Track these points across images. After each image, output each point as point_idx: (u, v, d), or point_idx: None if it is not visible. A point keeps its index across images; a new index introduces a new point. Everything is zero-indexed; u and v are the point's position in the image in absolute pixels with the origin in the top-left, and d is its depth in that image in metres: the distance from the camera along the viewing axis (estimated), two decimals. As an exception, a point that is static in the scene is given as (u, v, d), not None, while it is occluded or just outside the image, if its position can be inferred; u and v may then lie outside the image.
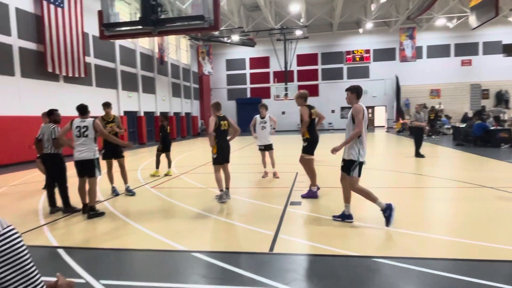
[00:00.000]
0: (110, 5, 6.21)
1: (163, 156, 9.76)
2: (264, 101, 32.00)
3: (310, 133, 6.45)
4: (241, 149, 16.73)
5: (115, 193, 7.30)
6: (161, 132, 9.71)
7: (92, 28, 17.61)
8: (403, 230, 4.52)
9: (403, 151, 13.86)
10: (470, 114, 23.15)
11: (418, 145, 11.83)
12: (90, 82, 18.46)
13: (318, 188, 6.58)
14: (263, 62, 34.92)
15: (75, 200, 6.05)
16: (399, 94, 30.82)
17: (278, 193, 7.05)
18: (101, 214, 5.71)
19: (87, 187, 5.77)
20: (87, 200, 5.80)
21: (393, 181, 8.26)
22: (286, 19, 28.37)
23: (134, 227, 5.08)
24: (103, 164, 6.58)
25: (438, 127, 20.39)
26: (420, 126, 11.79)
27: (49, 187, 6.10)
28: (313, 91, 32.58)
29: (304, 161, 6.56)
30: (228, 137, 6.60)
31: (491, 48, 30.77)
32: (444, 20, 29.00)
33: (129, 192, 7.30)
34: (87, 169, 5.70)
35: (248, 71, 35.49)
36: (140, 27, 6.12)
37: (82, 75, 17.22)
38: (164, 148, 9.64)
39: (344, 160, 4.87)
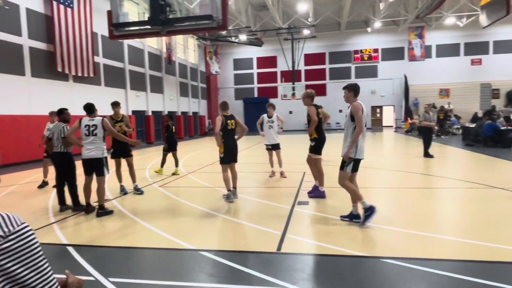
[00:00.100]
0: (119, 5, 6.24)
1: (169, 156, 9.87)
2: (271, 100, 32.02)
3: (318, 133, 6.45)
4: (248, 149, 16.73)
5: (123, 191, 7.38)
6: (167, 132, 9.84)
7: (101, 28, 17.82)
8: (411, 231, 4.49)
9: (412, 151, 13.74)
10: (480, 114, 22.81)
11: (427, 145, 11.73)
12: (99, 81, 18.64)
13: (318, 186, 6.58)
14: (270, 61, 34.85)
15: (83, 198, 6.11)
16: (408, 93, 30.52)
17: (286, 192, 7.04)
18: (110, 212, 5.77)
19: (92, 186, 5.84)
20: (91, 200, 5.88)
21: (401, 182, 8.19)
22: (293, 19, 28.29)
23: (142, 225, 5.13)
24: (111, 163, 6.65)
25: (447, 127, 20.15)
26: (429, 126, 11.68)
27: (59, 186, 6.19)
28: (321, 90, 32.45)
29: (312, 161, 6.56)
30: (236, 136, 6.61)
31: (502, 47, 30.28)
32: (454, 19, 28.67)
33: (137, 191, 7.37)
34: (95, 167, 5.76)
35: (255, 70, 35.44)
36: (148, 27, 6.14)
37: (91, 75, 17.39)
38: (170, 148, 9.75)
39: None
